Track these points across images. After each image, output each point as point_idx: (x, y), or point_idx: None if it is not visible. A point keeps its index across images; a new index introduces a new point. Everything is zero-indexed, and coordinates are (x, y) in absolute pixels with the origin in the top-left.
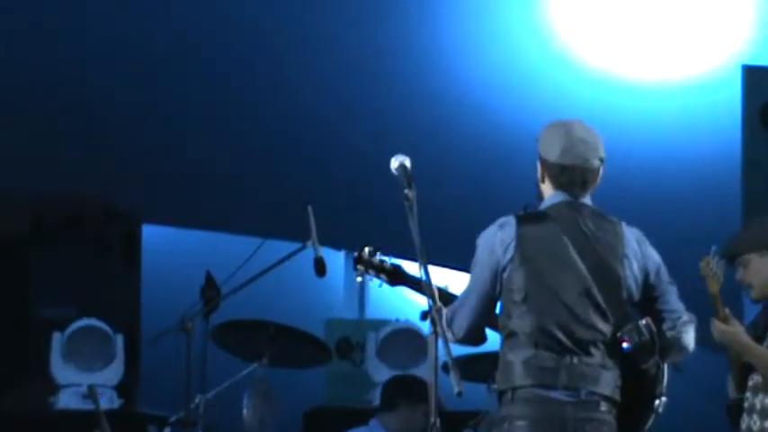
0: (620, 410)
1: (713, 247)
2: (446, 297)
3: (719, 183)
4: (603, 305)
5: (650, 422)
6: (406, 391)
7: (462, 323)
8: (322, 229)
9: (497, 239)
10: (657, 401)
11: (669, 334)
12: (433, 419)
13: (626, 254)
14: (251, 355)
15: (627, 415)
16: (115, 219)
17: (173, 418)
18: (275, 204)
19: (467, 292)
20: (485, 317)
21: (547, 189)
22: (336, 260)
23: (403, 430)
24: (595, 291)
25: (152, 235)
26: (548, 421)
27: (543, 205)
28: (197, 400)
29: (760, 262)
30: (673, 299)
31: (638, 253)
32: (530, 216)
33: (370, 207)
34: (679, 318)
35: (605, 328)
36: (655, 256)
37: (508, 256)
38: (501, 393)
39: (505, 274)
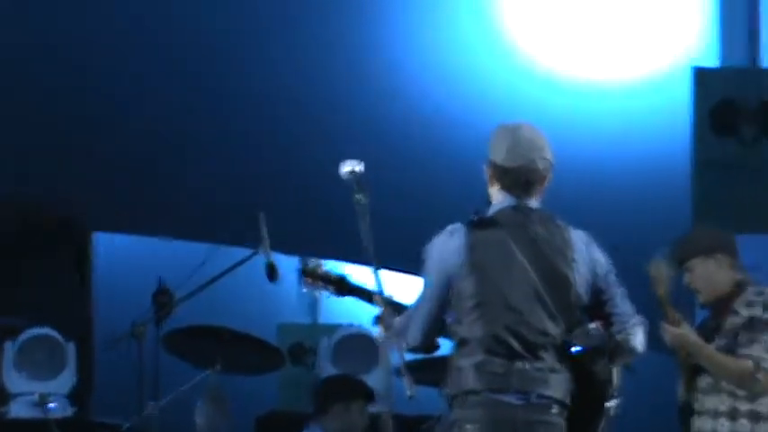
0: (572, 413)
1: (660, 250)
2: (394, 306)
3: (670, 184)
4: (554, 309)
5: (602, 424)
6: (336, 391)
7: (416, 331)
8: (274, 234)
9: (447, 247)
10: (609, 403)
11: (618, 337)
12: (386, 424)
13: (574, 258)
14: (204, 362)
15: (578, 417)
16: (66, 227)
17: (125, 426)
18: (227, 210)
19: (419, 301)
20: (437, 324)
21: (494, 192)
22: (289, 266)
23: (341, 431)
24: (545, 295)
25: (104, 243)
26: (498, 424)
27: (491, 210)
28: (150, 408)
29: (704, 267)
30: (621, 301)
31: (587, 256)
32: (479, 222)
33: (322, 212)
34: (628, 320)
35: (556, 332)
36: (603, 259)
37: (459, 263)
38: (452, 398)
39: (456, 282)
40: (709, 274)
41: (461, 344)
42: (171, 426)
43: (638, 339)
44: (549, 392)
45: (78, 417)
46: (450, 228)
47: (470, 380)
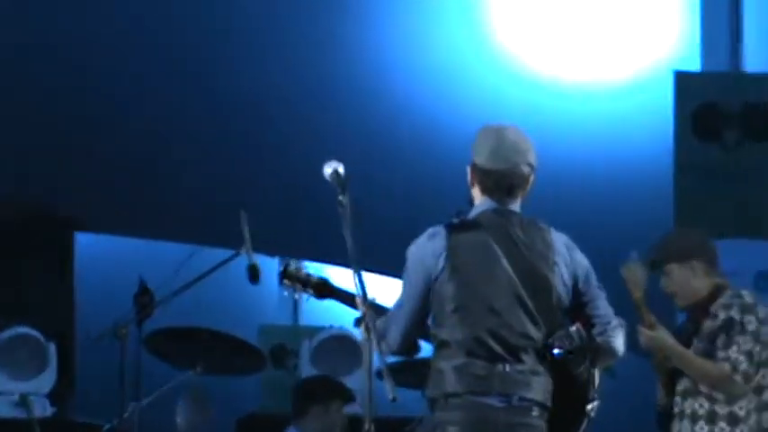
0: (553, 415)
1: (632, 253)
2: (375, 309)
3: (651, 186)
4: (535, 312)
5: (583, 426)
6: (314, 392)
7: (396, 335)
8: (257, 234)
9: (428, 250)
10: (590, 406)
11: (599, 339)
12: (367, 427)
13: (555, 261)
14: (185, 363)
15: (559, 420)
16: (48, 226)
17: (106, 427)
18: (209, 211)
19: (399, 304)
20: (418, 327)
21: (476, 193)
22: (271, 267)
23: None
24: (526, 298)
25: (86, 242)
26: (479, 426)
27: (472, 212)
28: (131, 408)
29: (680, 272)
30: (602, 304)
31: (568, 259)
32: (460, 225)
33: (308, 213)
34: (608, 323)
35: (537, 334)
36: (584, 262)
37: (439, 266)
38: (433, 400)
39: (437, 285)
40: (686, 280)
41: (442, 346)
42: (152, 426)
43: (619, 342)
44: (530, 395)
45: (59, 417)
46: (430, 230)
47: (452, 382)
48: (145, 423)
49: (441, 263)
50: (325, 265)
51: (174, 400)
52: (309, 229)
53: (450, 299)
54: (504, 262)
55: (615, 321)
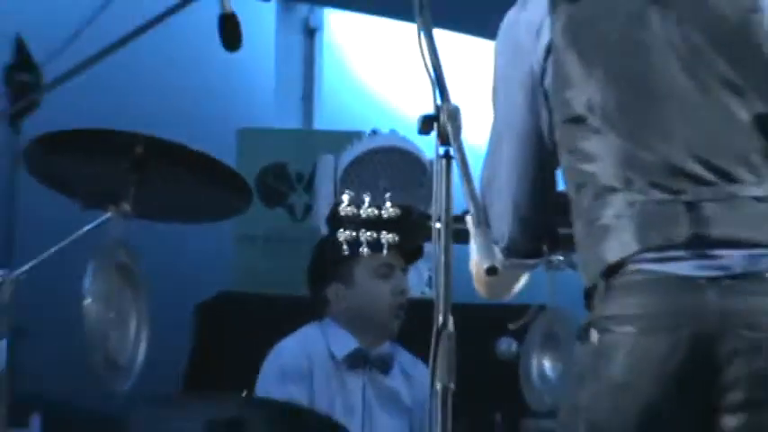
0: None
1: None
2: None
3: None
4: (743, 88)
5: None
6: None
7: (503, 210)
8: None
9: (521, 24)
10: None
11: None
12: (441, 319)
13: None
14: (99, 197)
15: None
16: None
17: None
18: None
19: (493, 148)
20: (537, 190)
21: None
22: (264, 18)
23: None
24: (723, 69)
25: None
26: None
27: None
28: (0, 279)
29: None
30: None
31: None
32: None
33: None
34: None
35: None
36: None
37: (542, 45)
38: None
39: (547, 81)
40: None
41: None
42: (35, 313)
43: None
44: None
45: None
46: None
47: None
48: (23, 307)
49: (544, 38)
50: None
51: (78, 266)
52: None
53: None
54: (666, 20)
55: None
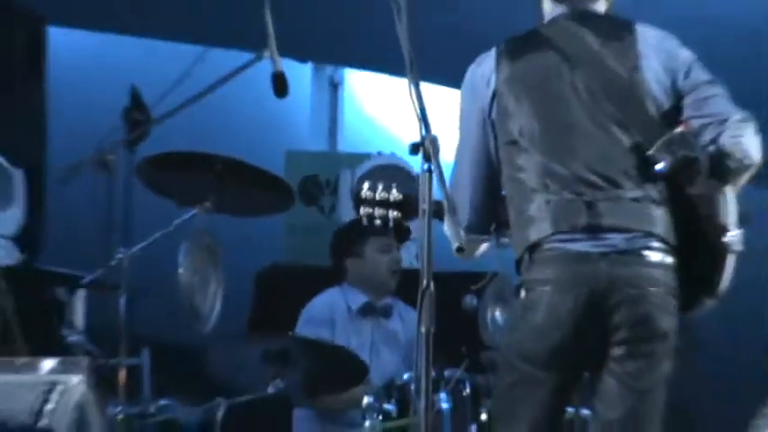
0: (681, 257)
1: None
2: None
3: None
4: (626, 123)
5: (726, 265)
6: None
7: (464, 203)
8: (282, 35)
9: (477, 75)
10: (728, 236)
11: (722, 140)
12: (425, 282)
13: (642, 52)
14: (189, 199)
15: (691, 260)
16: (13, 18)
17: (87, 279)
18: (220, 3)
19: (458, 161)
20: (486, 190)
21: (546, 6)
22: (301, 75)
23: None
24: (611, 110)
25: (62, 42)
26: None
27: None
28: (119, 256)
29: None
30: (717, 102)
31: (659, 50)
32: (512, 39)
33: (345, 7)
34: (726, 119)
35: (633, 152)
36: (684, 53)
37: (490, 90)
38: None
39: (493, 114)
40: None
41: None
42: (146, 278)
43: (748, 141)
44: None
45: (28, 264)
46: (478, 57)
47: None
48: (137, 274)
49: (491, 86)
50: (367, 71)
51: (174, 246)
52: (351, 28)
53: (512, 127)
54: (576, 73)
55: (738, 116)
